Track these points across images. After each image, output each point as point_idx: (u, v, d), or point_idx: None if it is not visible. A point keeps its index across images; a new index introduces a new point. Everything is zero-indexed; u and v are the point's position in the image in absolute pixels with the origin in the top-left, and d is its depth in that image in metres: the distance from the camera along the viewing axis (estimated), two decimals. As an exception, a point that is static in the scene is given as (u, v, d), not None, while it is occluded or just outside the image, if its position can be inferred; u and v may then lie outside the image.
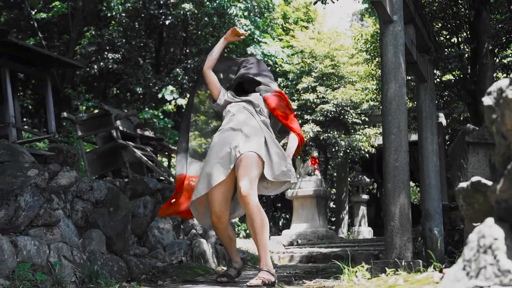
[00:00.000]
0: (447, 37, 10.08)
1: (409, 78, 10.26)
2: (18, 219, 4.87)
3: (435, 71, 9.72)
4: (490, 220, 1.84)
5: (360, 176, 19.09)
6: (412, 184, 22.63)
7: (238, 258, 5.17)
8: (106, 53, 17.88)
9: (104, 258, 5.55)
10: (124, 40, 18.41)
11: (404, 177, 6.03)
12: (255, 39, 17.62)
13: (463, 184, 2.94)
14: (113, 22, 19.15)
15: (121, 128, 9.43)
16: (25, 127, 15.51)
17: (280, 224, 20.91)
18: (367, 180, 18.86)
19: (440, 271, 2.71)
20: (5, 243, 4.39)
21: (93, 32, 18.93)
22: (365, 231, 18.30)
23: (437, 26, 9.84)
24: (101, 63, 17.68)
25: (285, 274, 6.25)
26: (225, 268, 7.78)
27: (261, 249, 4.51)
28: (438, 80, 10.85)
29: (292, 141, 4.97)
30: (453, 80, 11.12)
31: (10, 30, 6.07)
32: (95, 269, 5.13)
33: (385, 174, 6.12)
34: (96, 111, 14.57)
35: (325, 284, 3.91)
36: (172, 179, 9.81)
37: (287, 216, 20.73)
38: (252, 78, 5.19)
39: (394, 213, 5.97)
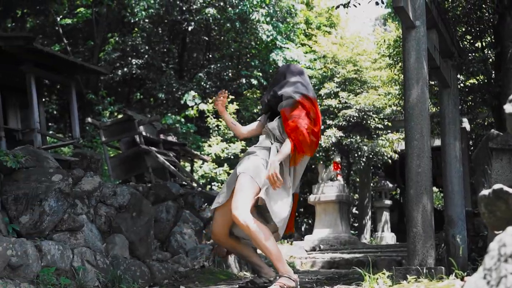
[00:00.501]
0: (471, 41, 10.00)
1: (433, 83, 10.20)
2: (43, 223, 4.94)
3: (458, 76, 9.65)
4: (511, 229, 1.83)
5: (383, 181, 18.98)
6: (436, 189, 22.47)
7: (267, 269, 4.94)
8: (129, 58, 18.01)
9: (127, 263, 5.60)
10: (147, 46, 18.53)
11: (427, 183, 5.99)
12: (277, 45, 17.64)
13: (485, 192, 2.92)
14: (136, 28, 19.30)
15: (144, 133, 9.49)
16: (50, 132, 15.69)
17: (303, 229, 20.86)
18: (390, 185, 18.75)
19: (462, 279, 2.69)
20: (30, 247, 4.46)
21: (117, 38, 19.10)
22: (388, 237, 18.19)
23: (460, 30, 9.77)
24: (125, 69, 17.82)
25: (306, 280, 6.24)
26: (247, 274, 7.80)
27: (273, 260, 4.49)
28: (462, 85, 10.77)
29: (284, 145, 4.74)
30: (477, 85, 11.04)
31: (36, 37, 6.14)
32: (118, 273, 5.18)
33: (407, 180, 6.09)
34: (119, 116, 14.69)
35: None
36: (194, 184, 9.85)
37: (310, 221, 20.70)
38: (269, 101, 4.99)
39: (417, 219, 5.94)
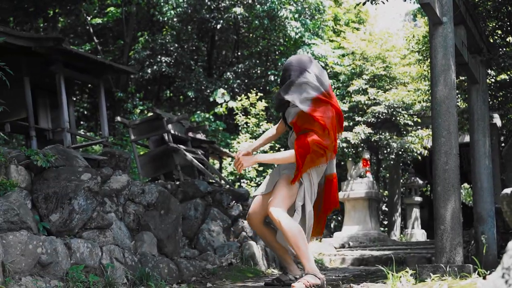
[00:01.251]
0: (502, 36, 9.88)
1: (462, 79, 10.11)
2: (72, 222, 5.03)
3: (489, 71, 9.55)
4: (528, 228, 1.83)
5: (413, 178, 18.85)
6: (467, 186, 22.24)
7: (294, 267, 5.04)
8: (159, 57, 18.15)
9: (155, 260, 5.67)
10: (176, 44, 18.65)
11: (454, 180, 5.96)
12: (305, 42, 17.62)
13: (507, 190, 2.91)
14: (166, 27, 19.44)
15: (172, 131, 9.57)
16: (81, 131, 15.90)
17: (332, 226, 20.81)
18: (420, 182, 18.61)
19: (484, 277, 2.67)
20: (59, 245, 4.54)
21: (147, 37, 19.26)
22: (418, 234, 18.07)
23: (491, 25, 9.66)
24: (154, 67, 17.96)
25: (333, 277, 6.25)
26: (275, 271, 7.83)
27: (301, 257, 4.54)
28: (492, 80, 10.64)
29: (286, 152, 4.78)
30: (508, 80, 10.89)
31: (65, 38, 6.25)
32: (146, 271, 5.25)
33: (434, 177, 6.06)
34: (149, 114, 14.81)
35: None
36: (222, 182, 9.90)
37: (339, 218, 20.64)
38: (277, 106, 4.98)
39: (444, 217, 5.92)
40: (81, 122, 19.84)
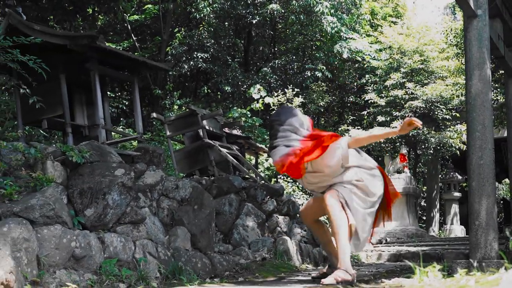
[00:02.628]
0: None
1: (501, 72, 9.96)
2: (106, 216, 5.12)
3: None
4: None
5: (451, 173, 18.63)
6: (508, 181, 21.87)
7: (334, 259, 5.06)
8: (195, 53, 18.26)
9: (188, 255, 5.73)
10: (213, 40, 18.74)
11: (489, 175, 5.90)
12: (342, 36, 17.53)
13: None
14: (203, 23, 19.55)
15: (207, 127, 9.64)
16: (120, 128, 16.10)
17: (370, 222, 20.68)
18: (459, 177, 18.38)
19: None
20: (93, 239, 4.63)
21: (184, 33, 19.39)
22: (457, 230, 17.85)
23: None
24: (191, 63, 18.07)
25: (366, 272, 6.23)
26: (309, 266, 7.84)
27: (339, 250, 4.55)
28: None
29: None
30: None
31: (99, 36, 6.35)
32: (178, 265, 5.31)
33: (469, 172, 6.01)
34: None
35: (400, 283, 3.90)
36: (257, 178, 9.93)
37: (377, 214, 20.49)
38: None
39: (479, 212, 5.86)
40: (121, 119, 20.08)
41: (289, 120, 4.76)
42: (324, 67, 17.95)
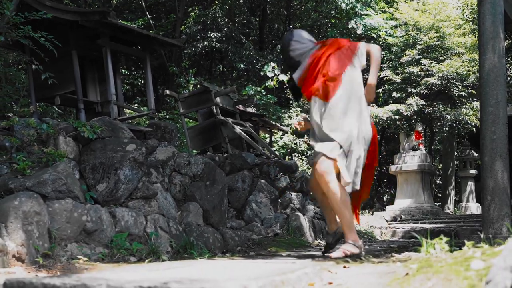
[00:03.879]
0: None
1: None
2: (118, 191, 5.16)
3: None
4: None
5: (467, 150, 18.52)
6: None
7: (333, 225, 4.95)
8: (209, 32, 18.21)
9: (200, 230, 5.76)
10: (227, 19, 18.67)
11: (502, 150, 5.86)
12: (357, 13, 17.39)
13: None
14: (216, 1, 19.47)
15: (220, 104, 9.64)
16: (135, 105, 16.14)
17: (385, 199, 20.70)
18: (475, 154, 18.27)
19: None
20: (104, 213, 4.67)
21: (198, 12, 19.33)
22: (473, 207, 17.79)
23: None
24: (205, 42, 18.04)
25: (378, 248, 6.24)
26: (322, 242, 7.86)
27: (344, 224, 4.51)
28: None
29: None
30: None
31: (110, 11, 6.34)
32: (190, 240, 5.34)
33: (482, 147, 5.98)
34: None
35: (409, 256, 3.90)
36: (271, 155, 9.94)
37: (392, 191, 20.49)
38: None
39: (492, 188, 5.84)
40: (137, 97, 20.13)
41: (293, 40, 4.85)
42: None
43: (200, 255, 5.06)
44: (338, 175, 4.44)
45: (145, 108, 16.24)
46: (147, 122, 14.14)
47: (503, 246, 2.77)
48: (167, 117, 15.11)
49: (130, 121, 7.96)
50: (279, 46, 5.17)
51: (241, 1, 19.27)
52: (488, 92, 5.94)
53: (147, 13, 19.81)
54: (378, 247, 6.39)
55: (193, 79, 18.03)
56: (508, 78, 11.09)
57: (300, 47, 4.83)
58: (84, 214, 4.44)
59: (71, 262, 4.00)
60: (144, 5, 19.82)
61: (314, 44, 4.85)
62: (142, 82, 20.56)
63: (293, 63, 4.78)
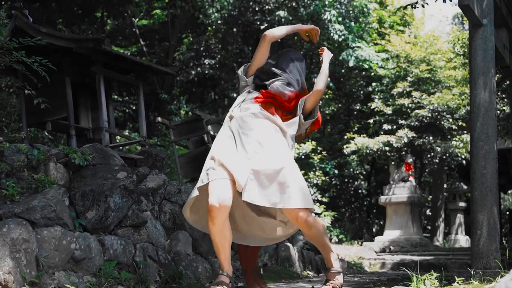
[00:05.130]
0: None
1: (507, 82, 9.94)
2: (108, 219, 5.12)
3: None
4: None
5: (457, 183, 18.59)
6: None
7: (229, 265, 4.33)
8: (203, 59, 18.31)
9: (189, 259, 5.73)
10: (220, 46, 18.78)
11: (492, 185, 5.87)
12: (349, 45, 17.54)
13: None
14: (210, 28, 19.60)
15: (212, 132, 9.64)
16: (126, 132, 16.13)
17: (374, 230, 20.67)
18: (465, 187, 18.33)
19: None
20: (93, 241, 4.64)
21: (191, 39, 19.44)
22: (462, 240, 17.80)
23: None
24: (198, 69, 18.12)
25: (367, 280, 6.22)
26: (310, 273, 7.82)
27: (329, 253, 4.44)
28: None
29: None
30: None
31: (105, 39, 6.37)
32: (179, 269, 5.31)
33: (472, 181, 5.99)
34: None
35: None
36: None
37: (381, 222, 20.48)
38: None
39: (482, 222, 5.84)
40: (128, 123, 20.12)
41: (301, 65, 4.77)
42: (330, 76, 17.96)
43: (189, 285, 5.02)
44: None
45: (136, 134, 16.25)
46: (138, 147, 14.14)
47: (493, 284, 2.78)
48: (158, 143, 15.10)
49: (121, 148, 7.93)
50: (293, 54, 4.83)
51: (234, 30, 19.38)
52: (479, 127, 5.97)
53: (140, 39, 19.91)
54: (367, 280, 6.37)
55: (185, 106, 18.08)
56: (498, 112, 11.19)
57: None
58: (73, 242, 4.40)
59: (58, 290, 3.96)
60: (137, 32, 19.92)
61: None
62: (134, 108, 20.59)
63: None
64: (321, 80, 4.61)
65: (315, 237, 4.31)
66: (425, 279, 3.06)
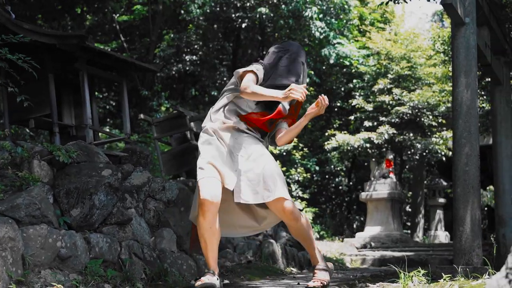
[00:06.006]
0: (527, 37, 9.78)
1: (487, 80, 10.04)
2: (93, 217, 5.11)
3: (512, 73, 9.48)
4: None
5: (437, 179, 18.74)
6: (493, 188, 22.04)
7: (216, 264, 4.41)
8: (184, 55, 18.25)
9: (174, 257, 5.72)
10: (201, 43, 18.74)
11: (474, 182, 5.95)
12: (330, 41, 17.59)
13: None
14: (191, 25, 19.55)
15: (195, 129, 9.63)
16: (107, 128, 16.05)
17: (354, 226, 20.77)
18: (444, 183, 18.49)
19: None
20: (79, 239, 4.62)
21: (172, 35, 19.37)
22: (442, 236, 17.96)
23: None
24: (179, 65, 18.07)
25: (351, 277, 6.26)
26: (294, 269, 7.85)
27: (315, 249, 4.50)
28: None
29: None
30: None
31: (88, 36, 6.33)
32: (164, 267, 5.30)
33: (454, 178, 6.06)
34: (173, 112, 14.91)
35: (385, 287, 3.92)
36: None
37: (361, 218, 20.60)
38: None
39: (464, 218, 5.91)
40: (107, 120, 20.02)
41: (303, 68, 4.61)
42: (312, 72, 18.00)
43: (175, 282, 5.02)
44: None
45: (116, 130, 16.18)
46: (118, 145, 14.08)
47: (480, 281, 2.82)
48: (139, 140, 15.04)
49: (105, 145, 7.90)
50: (292, 45, 4.68)
51: (215, 27, 19.35)
52: (461, 125, 6.04)
53: (121, 35, 19.80)
54: (351, 276, 6.42)
55: (166, 102, 18.02)
56: (478, 110, 11.32)
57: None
58: (58, 240, 4.38)
59: (45, 289, 3.94)
60: (118, 28, 19.81)
61: None
62: (113, 104, 20.48)
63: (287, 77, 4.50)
64: (294, 134, 4.56)
65: (300, 230, 4.37)
66: (412, 275, 3.10)
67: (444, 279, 2.89)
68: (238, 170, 4.30)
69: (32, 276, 4.05)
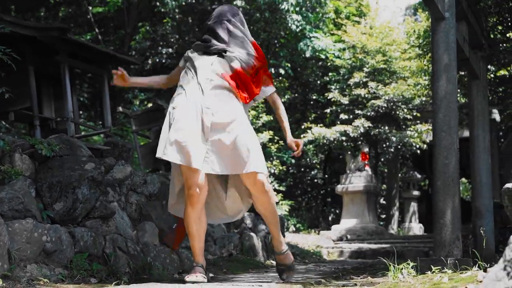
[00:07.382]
0: (502, 32, 9.93)
1: (463, 73, 10.15)
2: (76, 211, 5.08)
3: (489, 66, 9.61)
4: (530, 222, 1.89)
5: (411, 172, 18.93)
6: (465, 180, 22.32)
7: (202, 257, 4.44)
8: (159, 48, 18.15)
9: (157, 250, 5.72)
10: (177, 36, 18.65)
11: (454, 175, 6.02)
12: (306, 35, 17.62)
13: (509, 185, 2.95)
14: (167, 18, 19.43)
15: (174, 123, 9.60)
16: (86, 122, 15.91)
17: (330, 219, 20.89)
18: (419, 176, 18.68)
19: (485, 270, 2.74)
20: (64, 233, 4.60)
21: (148, 28, 19.24)
22: (416, 228, 18.16)
23: (491, 21, 9.70)
24: (155, 58, 17.97)
25: (333, 269, 6.31)
26: (274, 262, 7.88)
27: (279, 235, 4.54)
28: (492, 75, 10.70)
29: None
30: (508, 76, 10.95)
31: (70, 28, 6.28)
32: (148, 260, 5.30)
33: (434, 171, 6.12)
34: (149, 105, 14.85)
35: (372, 280, 3.97)
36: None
37: (337, 211, 20.72)
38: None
39: (444, 211, 5.98)
40: (80, 112, 19.84)
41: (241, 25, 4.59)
42: (289, 65, 18.03)
43: (159, 275, 5.02)
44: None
45: (91, 123, 16.05)
46: (94, 138, 13.97)
47: (470, 273, 2.88)
48: (115, 133, 14.95)
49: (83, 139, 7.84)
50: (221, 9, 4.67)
51: (190, 20, 19.25)
52: (441, 118, 6.10)
53: (95, 27, 19.60)
54: (332, 268, 6.47)
55: (142, 94, 17.93)
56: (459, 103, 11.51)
57: (246, 32, 4.62)
58: (44, 234, 4.35)
59: (31, 283, 3.92)
60: (92, 19, 19.61)
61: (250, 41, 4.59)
62: (86, 96, 20.29)
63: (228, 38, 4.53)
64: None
65: (268, 203, 4.31)
66: (402, 268, 3.14)
67: (433, 272, 2.94)
68: (209, 140, 4.15)
69: (18, 271, 4.03)
